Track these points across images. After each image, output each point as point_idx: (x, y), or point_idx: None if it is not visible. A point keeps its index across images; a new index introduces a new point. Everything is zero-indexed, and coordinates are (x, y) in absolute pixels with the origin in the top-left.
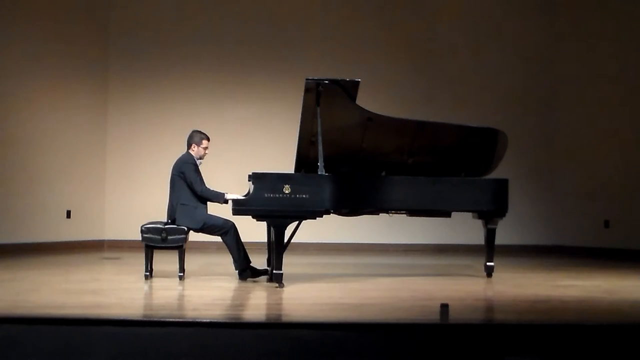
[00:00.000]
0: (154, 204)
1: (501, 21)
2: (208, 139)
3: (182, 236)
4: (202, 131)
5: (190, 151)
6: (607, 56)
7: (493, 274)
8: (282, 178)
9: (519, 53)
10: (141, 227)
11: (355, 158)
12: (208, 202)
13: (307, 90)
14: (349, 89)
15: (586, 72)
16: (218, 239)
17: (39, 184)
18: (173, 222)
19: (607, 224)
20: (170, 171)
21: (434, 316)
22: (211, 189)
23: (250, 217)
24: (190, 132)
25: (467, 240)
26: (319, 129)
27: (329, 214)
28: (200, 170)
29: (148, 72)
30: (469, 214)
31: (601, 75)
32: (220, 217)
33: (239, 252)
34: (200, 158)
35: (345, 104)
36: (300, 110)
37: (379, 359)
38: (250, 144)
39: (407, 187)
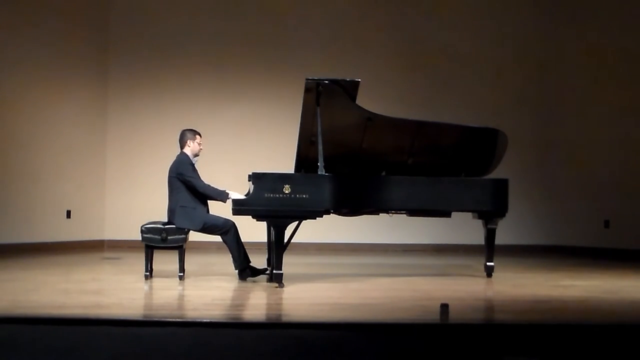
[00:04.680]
0: (154, 204)
1: (502, 21)
2: (200, 135)
3: (182, 236)
4: (192, 128)
5: (186, 150)
6: (608, 56)
7: (493, 274)
8: (282, 178)
9: (519, 53)
10: (141, 227)
11: (355, 158)
12: (209, 202)
13: (307, 90)
14: (349, 89)
15: (586, 73)
16: (218, 238)
17: (39, 184)
18: (173, 224)
19: (607, 224)
20: (167, 173)
21: (434, 316)
22: (212, 186)
23: (250, 217)
24: (179, 133)
25: (467, 240)
26: (319, 129)
27: (329, 214)
28: (198, 169)
29: (148, 72)
30: (469, 214)
31: (601, 75)
32: (220, 217)
33: (239, 251)
34: (196, 155)
35: (345, 104)
36: (300, 110)
37: (379, 359)
38: (250, 144)
39: (407, 187)
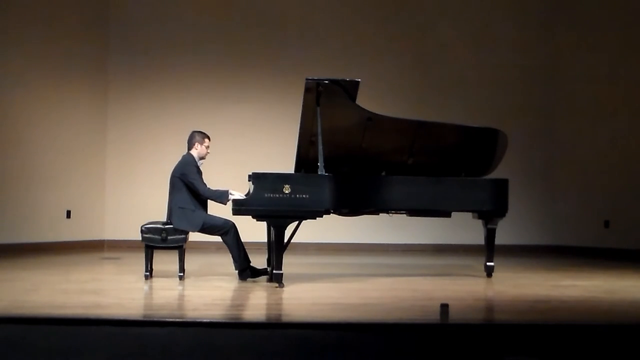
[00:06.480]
0: (154, 204)
1: (502, 23)
2: (209, 138)
3: (182, 236)
4: (202, 130)
5: (193, 151)
6: (607, 58)
7: (493, 274)
8: (282, 178)
9: (519, 54)
10: (141, 227)
11: (355, 158)
12: (209, 203)
13: (307, 90)
14: (349, 89)
15: (586, 73)
16: (218, 239)
17: (39, 184)
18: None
19: (607, 224)
20: (171, 173)
21: (434, 316)
22: (213, 189)
23: (250, 217)
24: (190, 133)
25: (467, 240)
26: (319, 129)
27: (329, 214)
28: (201, 170)
29: (148, 71)
30: (469, 214)
31: (601, 76)
32: (220, 217)
33: (239, 252)
34: (202, 158)
35: (345, 104)
36: (300, 110)
37: (379, 359)
38: (250, 144)
39: (407, 187)
